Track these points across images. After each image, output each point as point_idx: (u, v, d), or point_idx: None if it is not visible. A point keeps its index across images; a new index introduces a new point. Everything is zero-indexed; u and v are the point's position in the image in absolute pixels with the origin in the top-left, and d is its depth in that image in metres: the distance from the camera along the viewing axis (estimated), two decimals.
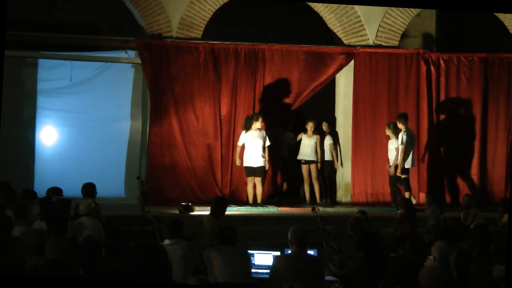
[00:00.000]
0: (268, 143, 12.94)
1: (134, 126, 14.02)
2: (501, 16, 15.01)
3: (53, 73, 13.78)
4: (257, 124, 12.89)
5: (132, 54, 13.91)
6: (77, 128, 13.86)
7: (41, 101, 13.79)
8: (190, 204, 12.19)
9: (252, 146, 12.88)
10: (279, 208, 12.83)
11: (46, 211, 8.76)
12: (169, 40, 13.58)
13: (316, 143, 13.62)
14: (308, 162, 13.65)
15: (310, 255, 7.60)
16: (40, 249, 6.75)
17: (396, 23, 14.47)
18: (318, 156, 13.65)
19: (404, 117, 13.19)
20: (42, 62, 13.87)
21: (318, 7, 14.34)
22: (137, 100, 14.07)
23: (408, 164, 13.13)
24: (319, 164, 13.70)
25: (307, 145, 13.64)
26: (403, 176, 13.13)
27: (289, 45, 14.13)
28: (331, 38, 14.59)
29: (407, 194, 13.09)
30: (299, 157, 13.72)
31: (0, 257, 6.33)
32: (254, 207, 12.78)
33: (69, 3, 14.03)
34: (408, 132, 13.14)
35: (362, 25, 14.36)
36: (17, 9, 13.27)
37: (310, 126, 13.62)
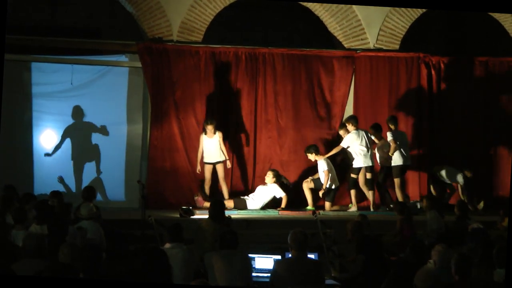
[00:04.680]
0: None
1: (135, 129, 14.03)
2: (501, 19, 15.02)
3: (53, 77, 13.80)
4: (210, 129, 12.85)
5: (132, 58, 13.94)
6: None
7: (41, 104, 13.80)
8: (190, 208, 12.18)
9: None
10: (280, 212, 12.83)
11: (42, 214, 8.71)
12: (170, 44, 13.60)
13: (219, 142, 13.01)
14: (214, 163, 13.09)
15: (310, 259, 7.61)
16: (41, 253, 6.75)
17: (397, 27, 14.48)
18: (224, 155, 13.11)
19: (354, 119, 13.23)
20: (42, 65, 13.89)
21: (318, 10, 14.37)
22: (137, 104, 14.09)
23: (359, 164, 13.09)
24: (228, 162, 13.20)
25: (210, 147, 13.06)
26: (352, 175, 13.19)
27: (290, 49, 14.16)
28: (332, 41, 14.61)
29: (352, 193, 13.14)
30: (205, 159, 13.10)
31: (4, 262, 6.36)
32: (255, 211, 12.79)
33: (70, 7, 14.03)
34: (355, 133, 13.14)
35: (363, 28, 14.37)
36: (19, 13, 13.29)
37: (210, 128, 12.94)
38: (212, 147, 12.96)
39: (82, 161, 13.92)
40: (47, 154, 13.65)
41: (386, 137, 13.28)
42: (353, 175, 13.17)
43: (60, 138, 13.75)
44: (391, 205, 12.89)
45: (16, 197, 9.99)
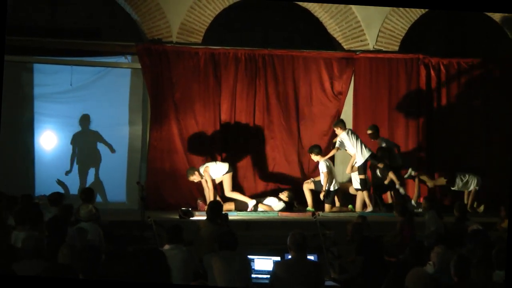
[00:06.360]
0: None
1: (134, 131, 14.04)
2: (501, 20, 15.02)
3: (53, 78, 13.80)
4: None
5: (133, 59, 13.94)
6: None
7: (41, 106, 13.81)
8: (190, 209, 12.18)
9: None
10: (280, 213, 12.83)
11: (37, 218, 8.67)
12: (169, 45, 13.61)
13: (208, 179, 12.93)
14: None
15: (310, 260, 7.60)
16: (40, 254, 6.76)
17: (396, 28, 14.49)
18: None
19: (341, 123, 13.24)
20: (42, 67, 13.89)
21: (318, 12, 14.37)
22: (137, 105, 14.09)
23: (360, 161, 13.05)
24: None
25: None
26: (359, 176, 13.15)
27: (289, 50, 14.17)
28: (332, 43, 14.61)
29: (364, 194, 13.10)
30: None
31: (5, 263, 6.36)
32: (254, 212, 12.78)
33: (70, 7, 14.04)
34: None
35: (362, 30, 14.38)
36: (19, 13, 13.30)
37: (195, 178, 12.95)
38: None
39: (86, 165, 13.93)
40: (68, 172, 13.67)
41: (380, 140, 13.39)
42: (360, 176, 13.16)
43: (71, 148, 13.79)
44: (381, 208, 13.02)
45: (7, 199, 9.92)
